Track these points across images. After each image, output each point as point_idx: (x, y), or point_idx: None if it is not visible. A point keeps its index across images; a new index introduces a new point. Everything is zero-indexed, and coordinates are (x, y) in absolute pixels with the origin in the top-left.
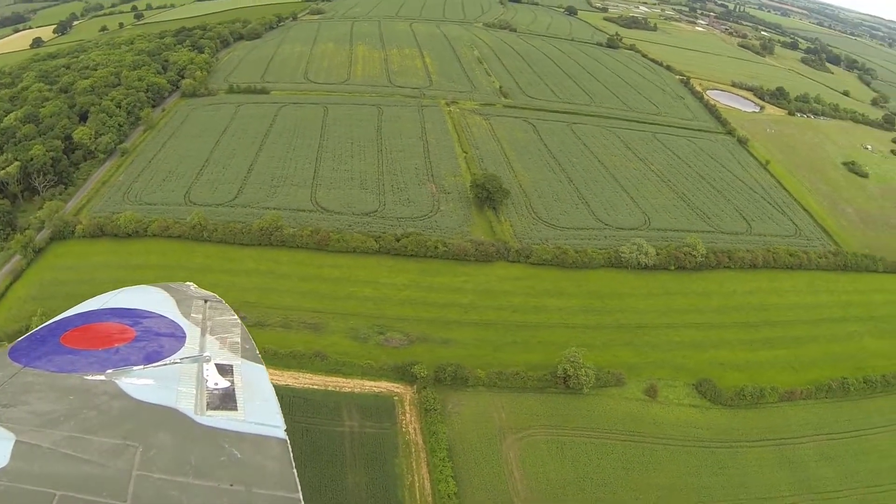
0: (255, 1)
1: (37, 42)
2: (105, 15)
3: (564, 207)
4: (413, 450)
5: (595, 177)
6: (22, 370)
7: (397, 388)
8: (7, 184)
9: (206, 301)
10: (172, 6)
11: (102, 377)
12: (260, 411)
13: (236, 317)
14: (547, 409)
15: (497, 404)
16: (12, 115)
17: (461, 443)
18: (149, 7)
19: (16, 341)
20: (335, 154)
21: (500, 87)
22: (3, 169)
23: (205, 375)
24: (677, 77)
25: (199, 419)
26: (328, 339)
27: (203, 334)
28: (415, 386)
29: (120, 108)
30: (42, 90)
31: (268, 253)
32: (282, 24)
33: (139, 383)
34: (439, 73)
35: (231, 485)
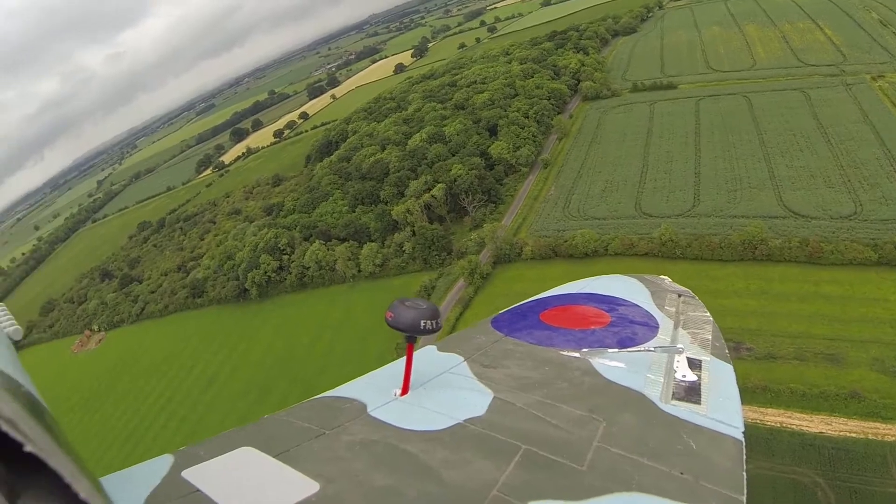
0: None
1: (399, 68)
2: (455, 34)
3: None
4: None
5: None
6: (503, 338)
7: None
8: (432, 207)
9: (679, 295)
10: (520, 15)
11: (577, 354)
12: (722, 409)
13: (709, 314)
14: None
15: None
16: (416, 137)
17: None
18: (497, 20)
19: (499, 312)
20: (782, 149)
21: None
22: (428, 192)
23: (674, 366)
24: None
25: (663, 406)
26: (852, 374)
27: (675, 327)
28: None
29: (528, 118)
30: (437, 109)
31: (753, 269)
32: (651, 14)
33: (611, 364)
34: (847, 44)
35: (681, 472)
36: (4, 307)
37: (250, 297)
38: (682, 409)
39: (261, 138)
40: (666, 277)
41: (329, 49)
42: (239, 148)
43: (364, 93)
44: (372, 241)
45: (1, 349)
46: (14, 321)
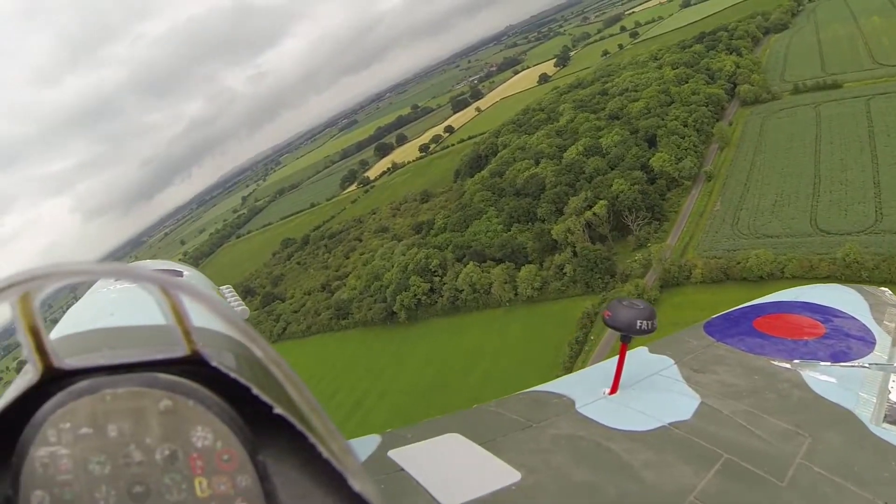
0: None
1: (544, 78)
2: (596, 41)
3: None
4: None
5: None
6: (714, 343)
7: None
8: (594, 225)
9: None
10: (660, 18)
11: (788, 365)
12: None
13: None
14: None
15: None
16: (572, 150)
17: None
18: (637, 24)
19: (711, 318)
20: None
21: None
22: (590, 209)
23: (889, 387)
24: None
25: (873, 428)
26: None
27: (894, 344)
28: None
29: (687, 126)
30: (590, 119)
31: None
32: (801, 8)
33: (822, 379)
34: None
35: (885, 503)
36: (230, 287)
37: (398, 320)
38: (894, 434)
39: (406, 153)
40: (887, 290)
41: (469, 62)
42: (384, 163)
43: (509, 104)
44: (530, 263)
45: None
46: (241, 301)
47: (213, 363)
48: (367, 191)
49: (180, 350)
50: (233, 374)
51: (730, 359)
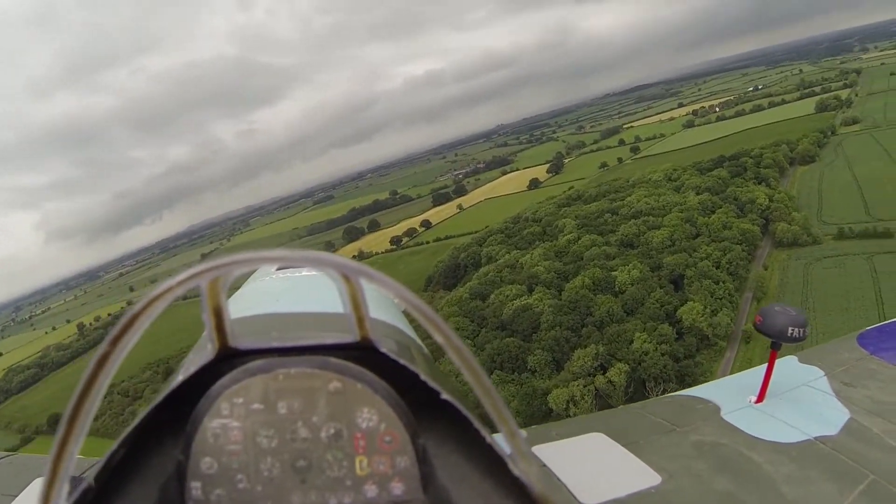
0: (756, 122)
1: (534, 183)
2: (593, 151)
3: None
4: None
5: None
6: (867, 356)
7: None
8: (605, 395)
9: None
10: (662, 136)
11: None
12: None
13: None
14: None
15: None
16: (577, 281)
17: None
18: (637, 139)
19: (866, 329)
20: None
21: None
22: (603, 374)
23: None
24: None
25: None
26: None
27: None
28: None
29: (720, 268)
30: (598, 244)
31: None
32: (826, 140)
33: None
34: None
35: None
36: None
37: None
38: None
39: (376, 242)
40: None
41: (456, 155)
42: (350, 249)
43: (495, 207)
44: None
45: (401, 316)
46: None
47: (383, 349)
48: None
49: (351, 336)
50: (402, 361)
51: (883, 374)
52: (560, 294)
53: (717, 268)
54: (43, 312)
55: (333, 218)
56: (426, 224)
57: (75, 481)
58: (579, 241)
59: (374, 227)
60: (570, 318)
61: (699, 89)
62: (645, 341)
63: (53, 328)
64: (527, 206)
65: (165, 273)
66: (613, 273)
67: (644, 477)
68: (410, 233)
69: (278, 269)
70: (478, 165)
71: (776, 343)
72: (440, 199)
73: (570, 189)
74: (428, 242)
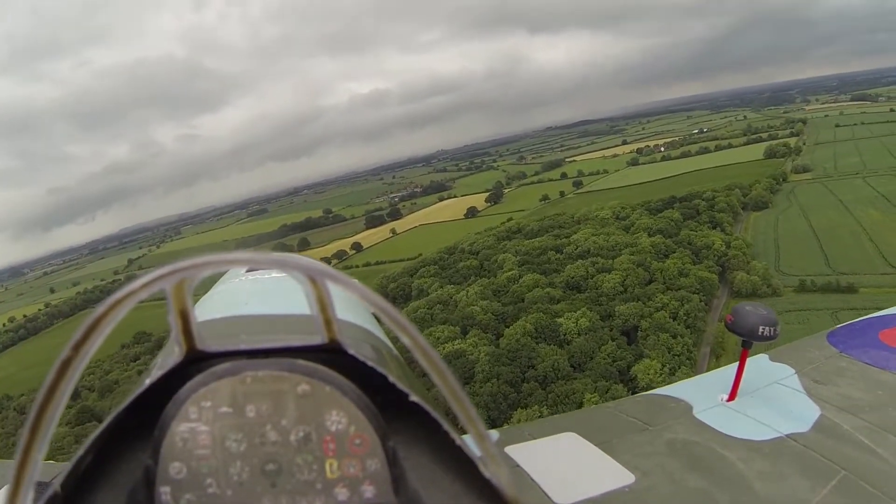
0: (703, 164)
1: (472, 211)
2: (534, 183)
3: None
4: None
5: None
6: (838, 354)
7: None
8: None
9: None
10: (605, 172)
11: None
12: None
13: None
14: None
15: None
16: (517, 326)
17: None
18: (580, 174)
19: (835, 327)
20: None
21: None
22: None
23: None
24: None
25: None
26: None
27: None
28: None
29: (677, 320)
30: (541, 284)
31: None
32: (779, 187)
33: None
34: None
35: None
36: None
37: None
38: None
39: None
40: None
41: (393, 177)
42: None
43: (429, 233)
44: None
45: (370, 318)
46: None
47: (351, 351)
48: None
49: (319, 338)
50: (370, 363)
51: (853, 371)
52: (498, 340)
53: (674, 319)
54: None
55: (264, 233)
56: (357, 247)
57: (41, 487)
58: (521, 280)
59: (305, 245)
60: (510, 369)
61: (643, 128)
62: (596, 402)
63: None
64: (463, 235)
65: (87, 276)
66: (559, 320)
67: (617, 476)
68: (340, 255)
69: (247, 270)
70: (415, 189)
71: (747, 342)
72: (374, 221)
73: (509, 220)
74: (357, 266)
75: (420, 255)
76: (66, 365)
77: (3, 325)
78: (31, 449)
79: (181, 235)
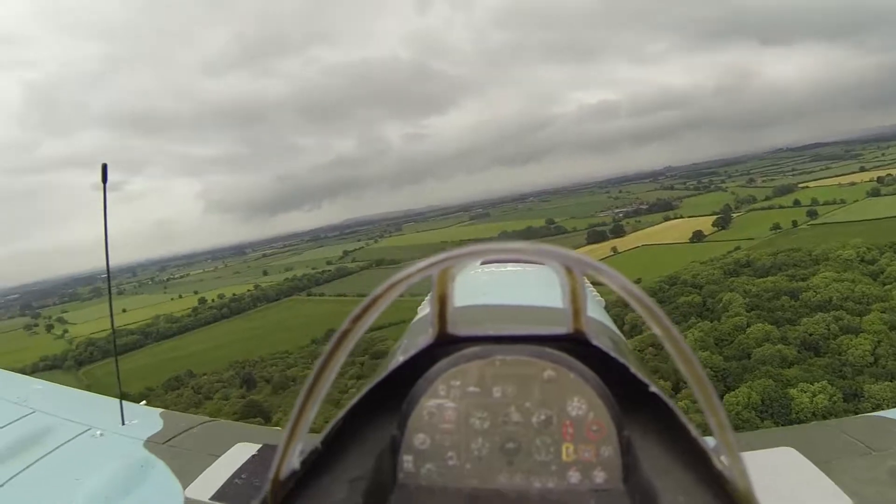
0: None
1: (698, 235)
2: (764, 209)
3: None
4: None
5: None
6: None
7: None
8: None
9: None
10: (842, 201)
11: None
12: None
13: None
14: None
15: None
16: (743, 389)
17: None
18: (814, 202)
19: None
20: None
21: None
22: None
23: None
24: None
25: None
26: None
27: None
28: None
29: None
30: (773, 338)
31: None
32: None
33: None
34: None
35: None
36: None
37: None
38: None
39: None
40: None
41: (619, 191)
42: None
43: (651, 256)
44: None
45: (601, 310)
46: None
47: (595, 342)
48: None
49: (564, 328)
50: (612, 354)
51: None
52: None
53: None
54: (181, 277)
55: (482, 238)
56: None
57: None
58: (748, 331)
59: None
60: None
61: (882, 154)
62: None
63: (180, 296)
64: (687, 264)
65: (301, 263)
66: (791, 391)
67: (835, 499)
68: None
69: (482, 263)
70: (640, 206)
71: None
72: (596, 236)
73: (736, 249)
74: None
75: (639, 279)
76: (343, 335)
77: (213, 300)
78: (306, 408)
79: (401, 232)
